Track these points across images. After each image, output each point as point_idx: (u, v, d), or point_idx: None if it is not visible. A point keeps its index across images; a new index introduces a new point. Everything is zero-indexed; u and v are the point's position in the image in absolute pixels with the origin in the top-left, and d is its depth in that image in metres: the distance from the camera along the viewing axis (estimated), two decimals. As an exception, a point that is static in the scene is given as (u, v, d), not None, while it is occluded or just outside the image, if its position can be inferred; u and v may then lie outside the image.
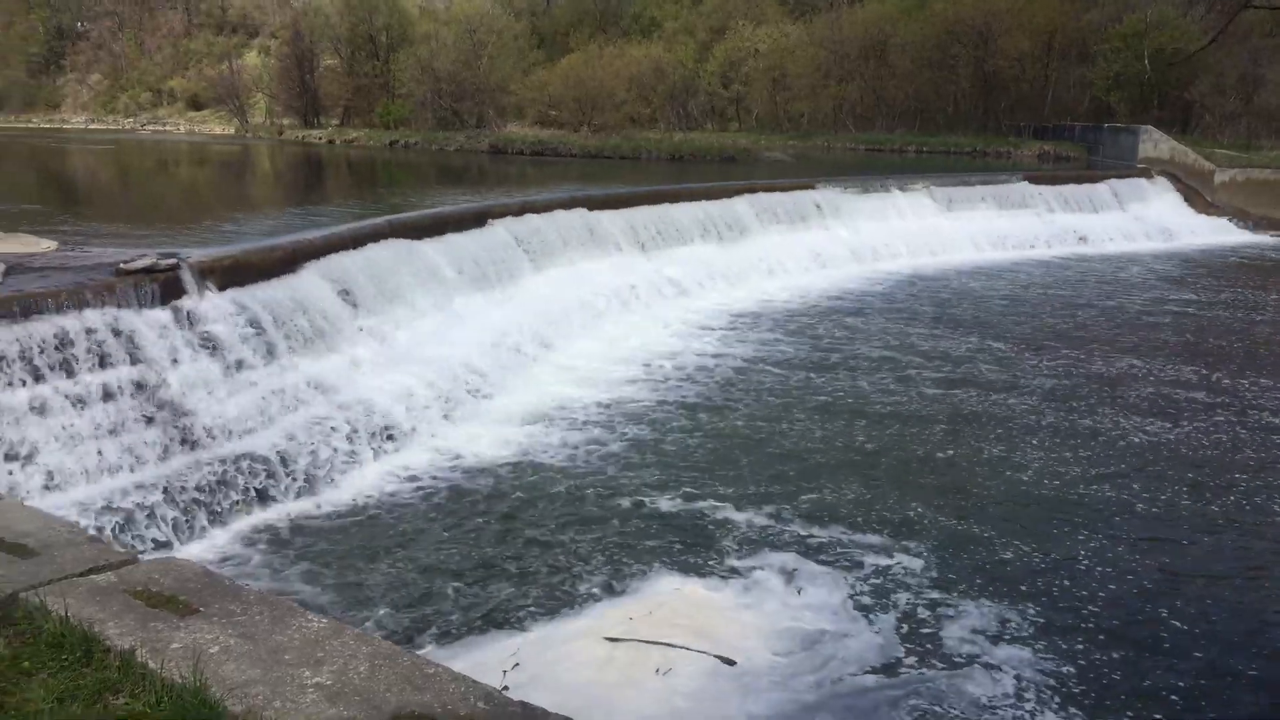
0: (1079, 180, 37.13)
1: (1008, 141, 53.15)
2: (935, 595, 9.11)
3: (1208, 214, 37.24)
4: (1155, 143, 40.89)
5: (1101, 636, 8.52)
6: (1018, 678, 7.86)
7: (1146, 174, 38.91)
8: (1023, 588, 9.32)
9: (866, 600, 8.99)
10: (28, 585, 4.45)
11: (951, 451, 13.16)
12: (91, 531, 6.36)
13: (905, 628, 8.53)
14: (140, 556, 4.86)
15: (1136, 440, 13.74)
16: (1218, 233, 35.52)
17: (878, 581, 9.37)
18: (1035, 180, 35.74)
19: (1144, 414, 14.90)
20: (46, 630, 4.13)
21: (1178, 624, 8.78)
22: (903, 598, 9.04)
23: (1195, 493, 11.86)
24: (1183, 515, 11.22)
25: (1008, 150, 51.67)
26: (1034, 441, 13.57)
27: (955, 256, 29.23)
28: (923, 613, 8.79)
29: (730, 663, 7.90)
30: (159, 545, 9.92)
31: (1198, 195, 38.57)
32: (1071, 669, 8.01)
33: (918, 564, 9.73)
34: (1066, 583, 9.46)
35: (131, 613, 4.26)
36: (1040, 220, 33.30)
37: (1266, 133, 48.17)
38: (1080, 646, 8.36)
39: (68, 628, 4.09)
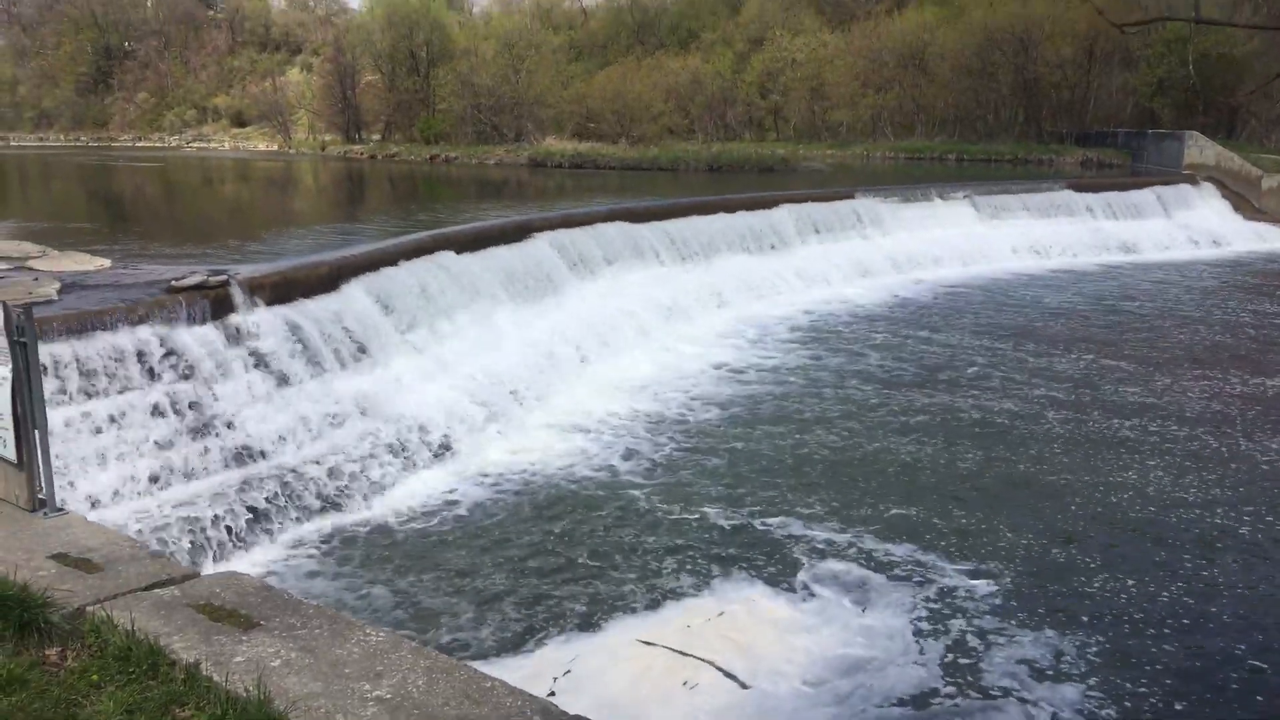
0: (1123, 187, 36.70)
1: (1049, 149, 52.61)
2: (995, 623, 8.82)
3: (1256, 220, 36.66)
4: (1201, 148, 40.34)
5: (1168, 680, 8.00)
6: (1054, 716, 7.57)
7: (1192, 180, 38.39)
8: (1089, 619, 8.94)
9: (925, 625, 8.76)
10: (94, 599, 4.57)
11: (1037, 469, 12.83)
12: (153, 546, 6.49)
13: (951, 657, 8.30)
14: (201, 571, 4.96)
15: (1246, 461, 13.06)
16: (1266, 239, 34.95)
17: (942, 605, 9.11)
18: (1079, 188, 35.39)
19: (1249, 432, 14.23)
20: (113, 643, 4.24)
21: (1255, 668, 8.23)
22: (961, 624, 8.78)
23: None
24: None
25: (1049, 157, 51.14)
26: (1129, 460, 13.08)
27: (999, 265, 29.00)
28: (974, 641, 8.53)
29: (745, 686, 7.91)
30: (210, 558, 10.10)
31: (1245, 201, 37.99)
32: (1115, 713, 7.63)
33: (989, 588, 9.43)
34: (1140, 617, 9.01)
35: (195, 626, 4.36)
36: (1084, 228, 32.96)
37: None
38: (1138, 688, 7.92)
39: (134, 641, 4.19)
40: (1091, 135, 53.08)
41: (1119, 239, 32.48)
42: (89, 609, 4.50)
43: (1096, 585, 9.65)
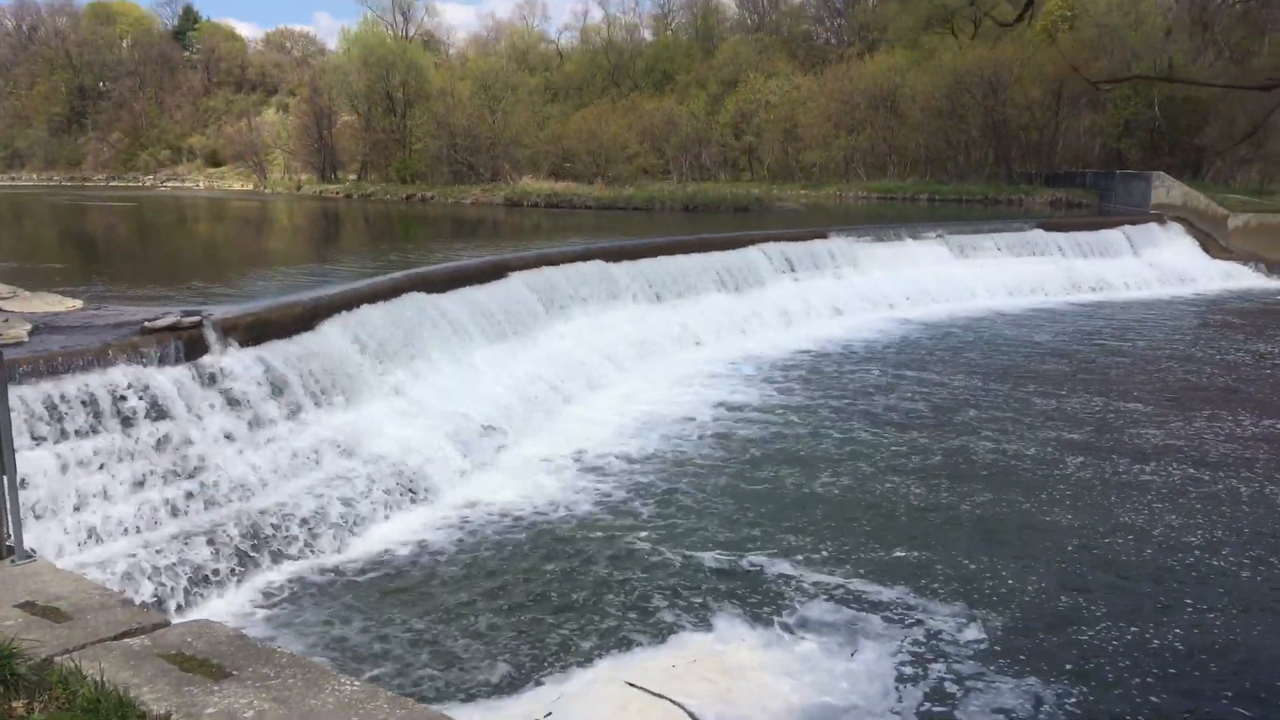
0: (1093, 227, 37.21)
1: (1019, 189, 53.39)
2: (977, 668, 8.67)
3: (1223, 259, 37.22)
4: (1168, 188, 41.00)
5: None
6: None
7: (1160, 219, 38.98)
8: (1075, 667, 8.76)
9: (908, 670, 8.63)
10: (62, 649, 4.48)
11: (1035, 509, 12.70)
12: (116, 590, 6.37)
13: (927, 706, 8.16)
14: (172, 620, 4.87)
15: (1256, 505, 12.85)
16: (1234, 278, 35.49)
17: (928, 650, 8.97)
18: (1049, 227, 35.84)
19: (1262, 474, 14.08)
20: (82, 695, 4.14)
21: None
22: (942, 670, 8.65)
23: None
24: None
25: (1019, 197, 51.90)
26: (1134, 501, 12.99)
27: (971, 304, 29.25)
28: (952, 688, 8.39)
29: None
30: (179, 604, 9.94)
31: (1212, 240, 38.58)
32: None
33: (977, 633, 9.29)
34: (1128, 666, 8.78)
35: (165, 677, 4.27)
36: (1055, 267, 33.33)
37: (1278, 177, 48.25)
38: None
39: (103, 693, 4.10)
40: (1060, 175, 53.92)
41: (1090, 278, 32.88)
42: (57, 659, 4.40)
43: (1088, 631, 9.45)
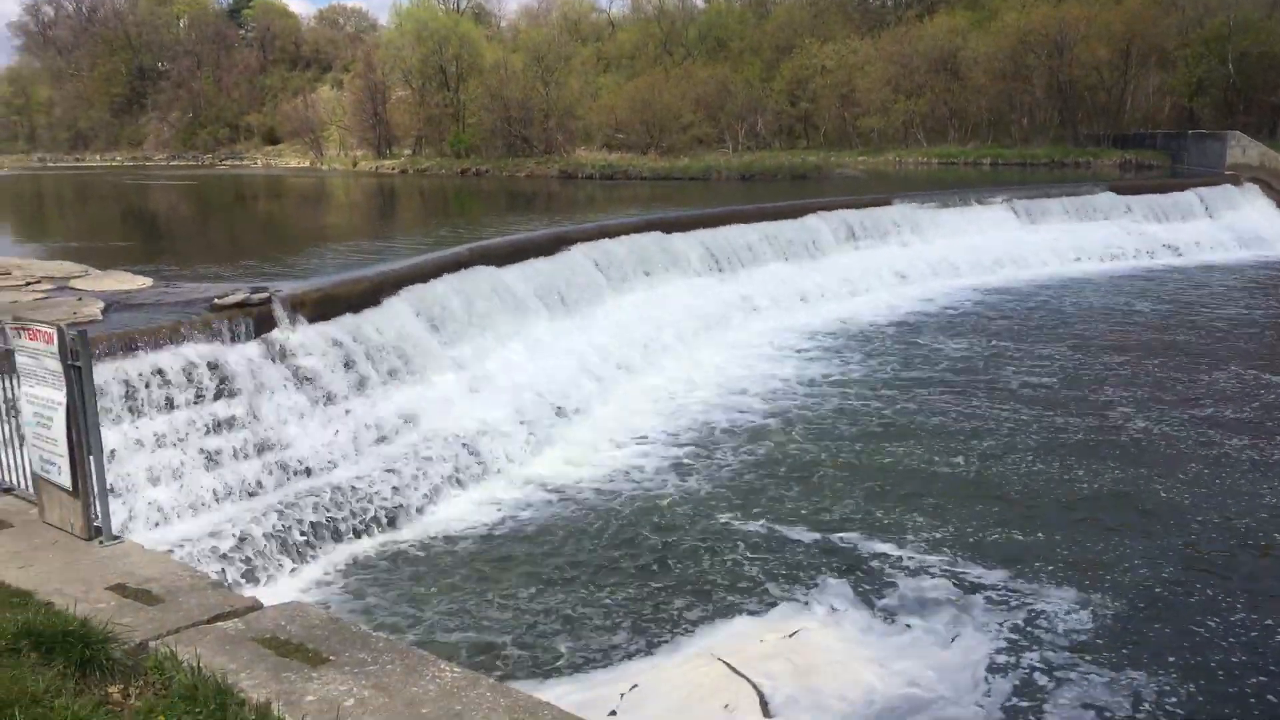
0: (1165, 189, 36.05)
1: (1086, 152, 51.94)
2: (1072, 660, 8.23)
3: (1304, 220, 35.91)
4: (1244, 148, 39.62)
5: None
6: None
7: (1235, 181, 37.65)
8: (1182, 660, 8.23)
9: (1002, 660, 8.23)
10: (156, 634, 4.39)
11: (1152, 485, 12.16)
12: (208, 572, 6.32)
13: (1014, 700, 7.77)
14: (264, 603, 4.76)
15: None
16: (1315, 240, 34.23)
17: (1024, 639, 8.55)
18: (1120, 190, 34.82)
19: None
20: (178, 681, 4.04)
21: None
22: (1036, 659, 8.23)
23: None
24: None
25: (1087, 160, 50.49)
26: (1254, 478, 12.35)
27: (1040, 270, 28.53)
28: (1043, 680, 7.98)
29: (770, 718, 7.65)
30: (260, 580, 9.95)
31: (1291, 201, 37.23)
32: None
33: (1081, 620, 8.84)
34: (1244, 661, 8.22)
35: (262, 662, 4.16)
36: (1126, 231, 32.37)
37: (1360, 134, 46.51)
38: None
39: (200, 679, 3.99)
40: (1129, 137, 52.37)
41: (1164, 241, 31.88)
42: (151, 644, 4.31)
43: (1205, 623, 8.85)
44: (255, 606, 4.69)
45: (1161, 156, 47.76)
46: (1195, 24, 52.37)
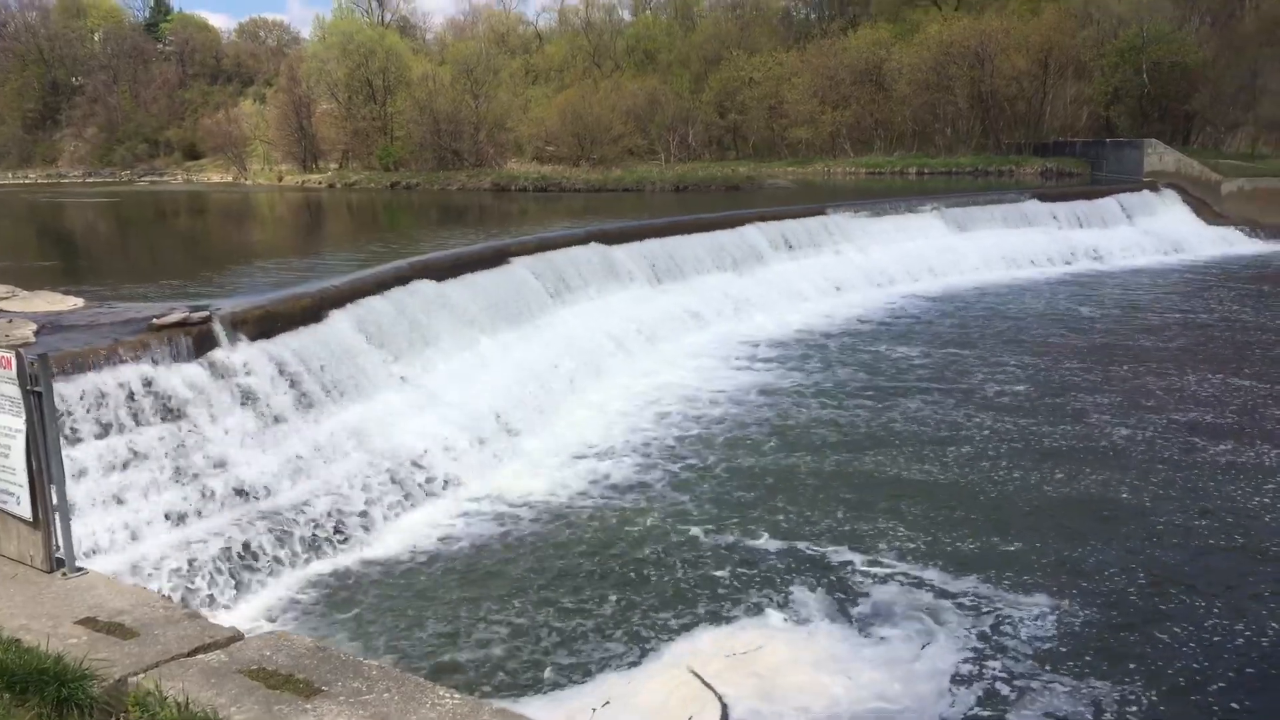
0: (1088, 196, 37.04)
1: (1009, 160, 53.13)
2: (1036, 669, 8.23)
3: (1218, 224, 37.14)
4: (1160, 155, 40.87)
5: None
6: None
7: (1153, 187, 38.86)
8: (1145, 666, 8.24)
9: (968, 670, 8.25)
10: (135, 669, 4.20)
11: (1117, 492, 12.21)
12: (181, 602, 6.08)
13: (978, 711, 7.77)
14: (246, 633, 4.59)
15: None
16: (1229, 243, 35.40)
17: (990, 649, 8.55)
18: (1044, 197, 35.68)
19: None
20: (163, 718, 3.87)
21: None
22: (1000, 670, 8.22)
23: None
24: None
25: (1010, 168, 51.64)
26: (1230, 484, 12.44)
27: (974, 277, 29.08)
28: (1006, 690, 7.98)
29: None
30: (210, 606, 9.65)
31: (1205, 206, 38.49)
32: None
33: (1045, 631, 8.84)
34: (1206, 668, 8.27)
35: (252, 696, 4.00)
36: (1051, 238, 33.15)
37: (1268, 141, 48.25)
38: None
39: (188, 715, 3.83)
40: (1049, 145, 53.70)
41: (1087, 247, 32.73)
42: (131, 679, 4.13)
43: (1169, 629, 8.88)
44: (236, 637, 4.52)
45: (1081, 164, 49.03)
46: (1110, 35, 53.94)
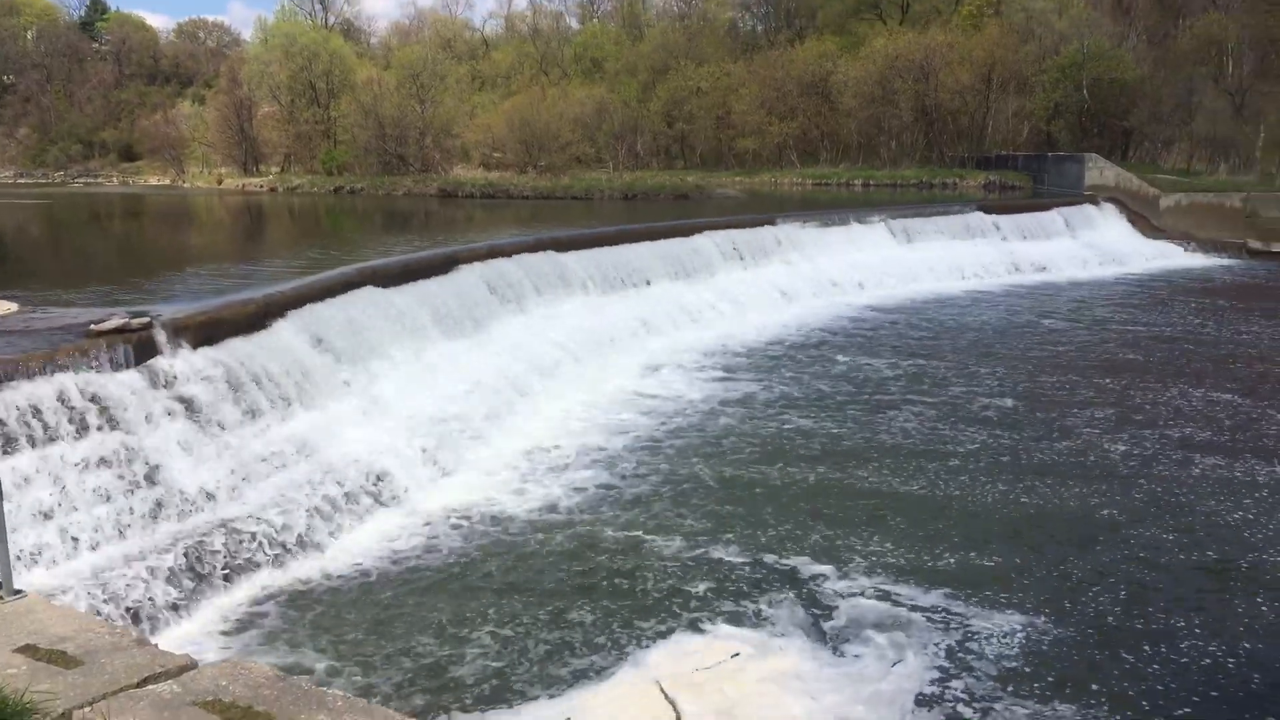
0: (1030, 209, 37.61)
1: (953, 172, 53.87)
2: (997, 690, 8.14)
3: (1155, 238, 37.91)
4: (1100, 170, 41.65)
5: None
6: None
7: (1094, 201, 39.56)
8: (1111, 688, 8.15)
9: (933, 690, 8.11)
10: (80, 701, 3.92)
11: (1084, 504, 12.19)
12: (128, 628, 5.77)
13: None
14: (198, 660, 4.32)
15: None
16: (1167, 257, 36.14)
17: (959, 666, 8.46)
18: (988, 209, 36.15)
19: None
20: (111, 755, 3.60)
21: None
22: (962, 690, 8.11)
23: None
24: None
25: (953, 181, 52.34)
26: (1211, 496, 12.48)
27: (918, 287, 29.30)
28: (966, 711, 7.88)
29: None
30: (145, 628, 9.25)
31: (1144, 220, 39.28)
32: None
33: (1010, 649, 8.75)
34: (1173, 689, 8.16)
35: (208, 730, 3.74)
36: (996, 250, 33.59)
37: (1201, 157, 49.44)
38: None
39: (139, 752, 3.57)
40: (992, 159, 54.54)
41: (1031, 259, 33.18)
42: (76, 713, 3.84)
43: (1138, 648, 8.82)
44: (189, 665, 4.25)
45: (1023, 178, 49.83)
46: (1051, 52, 54.97)
